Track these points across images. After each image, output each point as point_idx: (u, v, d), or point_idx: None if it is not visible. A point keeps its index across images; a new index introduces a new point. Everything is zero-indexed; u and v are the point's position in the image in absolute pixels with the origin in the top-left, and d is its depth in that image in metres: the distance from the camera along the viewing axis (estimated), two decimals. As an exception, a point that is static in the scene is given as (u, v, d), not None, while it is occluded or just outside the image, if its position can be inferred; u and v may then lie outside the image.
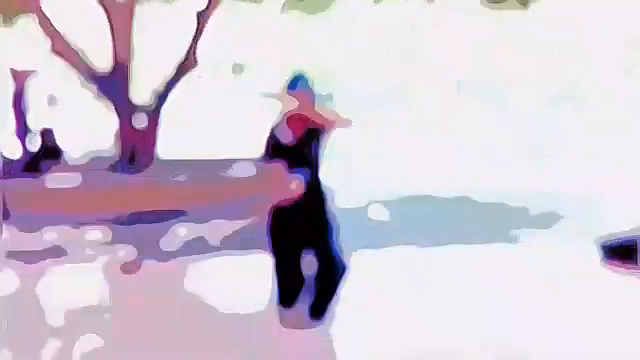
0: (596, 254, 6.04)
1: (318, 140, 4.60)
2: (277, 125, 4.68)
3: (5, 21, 13.20)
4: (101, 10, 10.06)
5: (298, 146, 4.57)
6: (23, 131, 10.54)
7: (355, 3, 13.50)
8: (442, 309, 4.89)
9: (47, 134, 10.95)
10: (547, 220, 8.25)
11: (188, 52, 10.43)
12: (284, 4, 13.23)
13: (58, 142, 11.08)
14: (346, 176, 11.16)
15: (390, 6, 13.12)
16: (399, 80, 23.78)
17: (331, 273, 4.53)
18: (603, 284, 5.41)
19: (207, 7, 10.46)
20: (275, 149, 4.62)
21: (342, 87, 20.01)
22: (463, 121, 15.70)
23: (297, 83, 4.59)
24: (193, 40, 10.44)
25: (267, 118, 4.90)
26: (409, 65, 24.09)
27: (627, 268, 5.68)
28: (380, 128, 16.79)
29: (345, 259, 4.61)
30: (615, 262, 5.84)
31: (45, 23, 9.74)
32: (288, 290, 4.73)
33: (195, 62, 10.64)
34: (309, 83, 4.66)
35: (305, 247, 4.61)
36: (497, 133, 19.13)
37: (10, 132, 10.46)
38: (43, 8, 9.83)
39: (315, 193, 4.61)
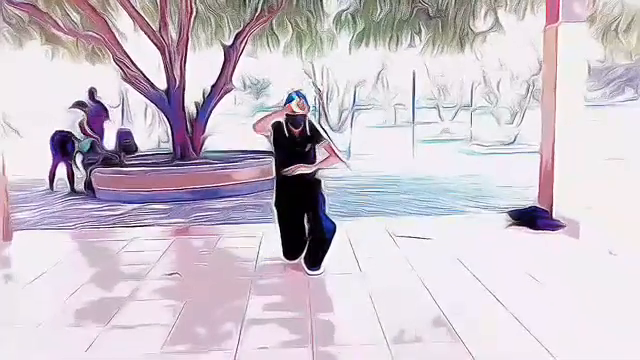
0: (505, 220, 6.04)
1: (313, 143, 4.50)
2: (284, 120, 4.46)
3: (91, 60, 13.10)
4: (158, 46, 9.97)
5: (298, 142, 4.46)
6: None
7: (337, 52, 13.57)
8: (400, 262, 4.88)
9: (125, 135, 10.84)
10: (476, 197, 8.27)
11: (220, 78, 10.35)
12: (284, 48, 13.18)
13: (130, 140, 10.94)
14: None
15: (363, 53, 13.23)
16: (370, 97, 23.81)
17: (322, 235, 4.45)
18: (512, 240, 5.42)
19: (233, 43, 10.37)
20: (278, 138, 4.48)
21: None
22: (417, 127, 15.69)
23: (295, 97, 4.40)
24: (225, 69, 10.35)
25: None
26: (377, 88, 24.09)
27: (526, 229, 5.71)
28: (361, 131, 16.80)
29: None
30: (518, 225, 5.85)
31: (119, 56, 9.65)
32: (291, 247, 4.72)
33: (231, 85, 10.57)
34: (305, 97, 4.49)
35: (304, 212, 4.53)
36: (444, 136, 19.24)
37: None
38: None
39: (314, 179, 4.54)
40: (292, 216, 4.62)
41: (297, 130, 4.46)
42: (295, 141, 4.47)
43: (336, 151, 4.54)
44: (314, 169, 4.48)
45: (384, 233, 5.61)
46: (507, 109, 19.51)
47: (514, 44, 14.86)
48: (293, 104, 4.34)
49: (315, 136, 4.50)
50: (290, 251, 4.70)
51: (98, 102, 10.36)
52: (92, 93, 10.42)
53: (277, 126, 4.48)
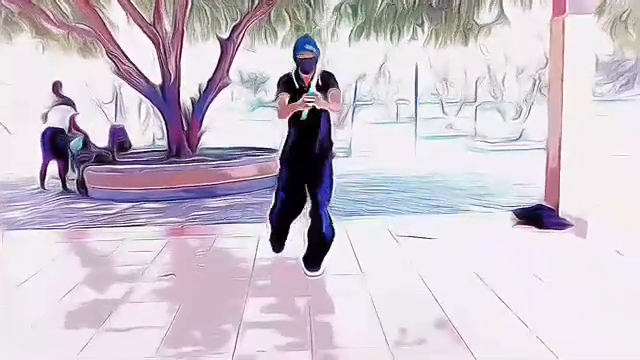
0: (511, 219, 6.04)
1: (324, 92, 4.28)
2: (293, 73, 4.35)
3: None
4: (152, 39, 9.98)
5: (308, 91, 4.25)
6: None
7: (337, 45, 13.55)
8: (403, 262, 4.89)
9: (118, 131, 10.83)
10: (481, 195, 8.28)
11: (216, 72, 10.34)
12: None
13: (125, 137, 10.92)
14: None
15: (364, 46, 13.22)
16: (372, 92, 23.79)
17: (321, 238, 4.43)
18: (518, 239, 5.43)
19: (230, 36, 10.36)
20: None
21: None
22: (420, 123, 15.74)
23: (304, 42, 4.30)
24: (221, 63, 10.35)
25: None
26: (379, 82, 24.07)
27: (532, 228, 5.72)
28: (362, 127, 16.79)
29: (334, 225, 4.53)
30: (524, 224, 5.85)
31: (112, 50, 9.65)
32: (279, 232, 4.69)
33: (228, 80, 10.57)
34: (315, 42, 4.37)
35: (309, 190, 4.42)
36: (448, 132, 19.18)
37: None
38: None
39: (326, 147, 4.45)
40: (294, 191, 4.51)
41: (307, 76, 4.30)
42: (305, 91, 4.25)
43: (340, 100, 4.45)
44: (322, 107, 4.24)
45: (386, 232, 5.61)
46: (513, 104, 19.49)
47: (520, 37, 14.88)
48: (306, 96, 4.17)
49: (326, 84, 4.31)
50: (277, 234, 4.72)
51: (63, 97, 10.14)
52: (55, 86, 10.17)
53: (287, 81, 4.37)
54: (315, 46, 4.33)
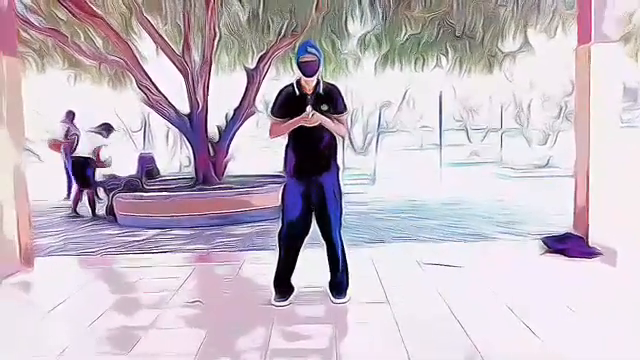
0: (539, 247, 5.97)
1: (329, 107, 4.27)
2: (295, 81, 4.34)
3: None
4: (181, 70, 10.21)
5: (309, 101, 4.25)
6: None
7: (361, 73, 13.63)
8: (429, 291, 4.86)
9: (147, 159, 11.05)
10: (508, 223, 8.21)
11: (243, 101, 10.52)
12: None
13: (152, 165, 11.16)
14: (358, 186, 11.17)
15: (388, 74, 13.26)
16: (396, 119, 23.80)
17: (338, 256, 4.42)
18: (546, 268, 5.35)
19: (256, 67, 10.55)
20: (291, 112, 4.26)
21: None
22: (445, 150, 15.71)
23: (306, 46, 4.28)
24: (248, 92, 10.52)
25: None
26: (403, 110, 24.12)
27: (561, 257, 5.64)
28: (386, 154, 16.80)
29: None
30: (552, 253, 5.77)
31: (142, 81, 9.88)
32: (289, 254, 4.51)
33: (254, 109, 10.75)
34: (317, 47, 4.33)
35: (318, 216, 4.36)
36: (473, 159, 19.10)
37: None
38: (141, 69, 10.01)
39: (332, 164, 4.39)
40: (301, 209, 4.38)
41: (310, 80, 4.25)
42: (306, 100, 4.23)
43: (348, 125, 4.37)
44: (324, 123, 4.19)
45: (411, 260, 5.58)
46: (538, 131, 19.38)
47: (545, 64, 14.85)
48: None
49: (329, 96, 4.29)
50: (287, 257, 4.50)
51: (75, 127, 10.17)
52: (69, 115, 10.27)
53: (285, 95, 4.34)
54: (318, 50, 4.29)
